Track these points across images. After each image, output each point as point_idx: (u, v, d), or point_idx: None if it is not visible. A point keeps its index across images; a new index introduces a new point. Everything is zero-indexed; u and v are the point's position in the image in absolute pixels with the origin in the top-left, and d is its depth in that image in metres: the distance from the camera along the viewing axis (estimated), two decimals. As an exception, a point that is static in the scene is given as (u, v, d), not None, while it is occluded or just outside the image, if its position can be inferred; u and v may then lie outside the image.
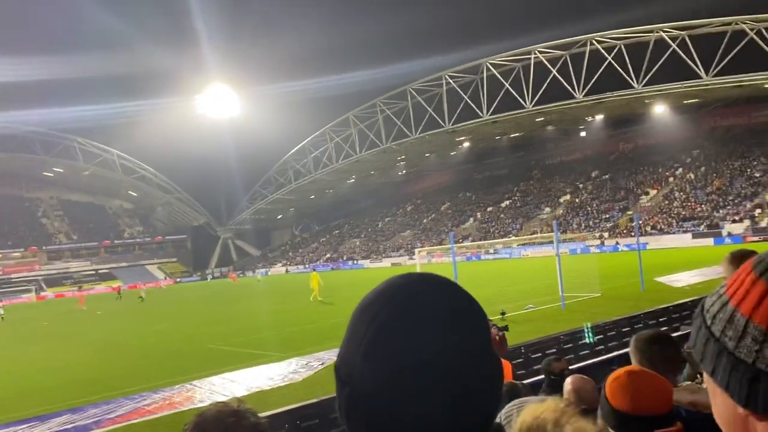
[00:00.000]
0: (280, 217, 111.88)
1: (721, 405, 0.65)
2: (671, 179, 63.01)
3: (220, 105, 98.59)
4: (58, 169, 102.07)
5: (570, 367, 6.05)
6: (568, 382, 3.76)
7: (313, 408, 8.58)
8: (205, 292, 55.99)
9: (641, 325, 13.41)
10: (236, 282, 77.22)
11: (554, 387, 5.24)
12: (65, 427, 11.53)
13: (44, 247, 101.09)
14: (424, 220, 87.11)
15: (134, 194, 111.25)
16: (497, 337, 10.41)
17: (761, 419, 0.61)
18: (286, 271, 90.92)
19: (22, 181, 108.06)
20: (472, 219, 79.67)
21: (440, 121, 67.73)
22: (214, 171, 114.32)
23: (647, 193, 62.99)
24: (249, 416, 1.55)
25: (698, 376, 3.39)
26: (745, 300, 0.62)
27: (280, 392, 12.61)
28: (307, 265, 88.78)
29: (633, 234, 38.77)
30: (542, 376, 6.43)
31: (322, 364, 14.96)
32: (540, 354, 12.20)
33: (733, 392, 0.63)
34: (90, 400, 13.61)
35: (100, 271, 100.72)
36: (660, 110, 63.55)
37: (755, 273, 0.63)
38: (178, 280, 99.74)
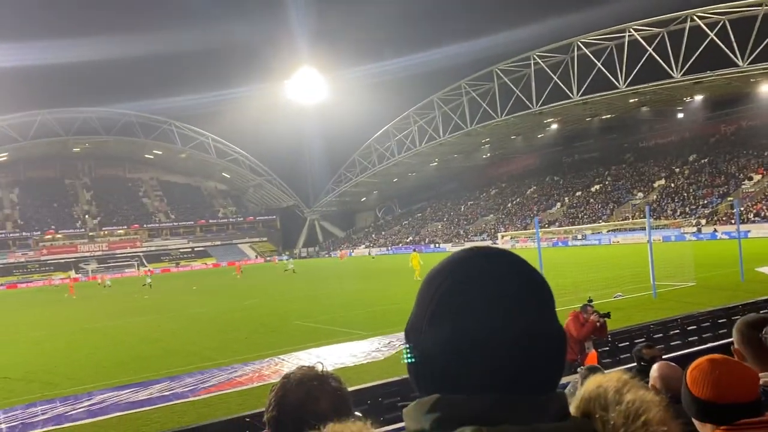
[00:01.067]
0: (363, 199, 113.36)
1: None
2: (779, 163, 58.63)
3: (308, 89, 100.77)
4: (157, 152, 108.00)
5: (662, 356, 5.88)
6: (655, 369, 3.69)
7: (395, 386, 8.74)
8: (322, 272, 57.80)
9: (739, 317, 12.69)
10: (343, 260, 79.71)
11: (644, 373, 5.12)
12: (164, 393, 12.35)
13: (145, 226, 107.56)
14: (509, 204, 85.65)
15: (227, 176, 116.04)
16: (598, 323, 10.19)
17: None
18: (369, 252, 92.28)
19: (125, 162, 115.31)
20: (559, 204, 77.55)
21: (527, 102, 66.09)
22: (301, 154, 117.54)
23: (751, 178, 58.98)
24: (331, 381, 1.65)
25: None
26: None
27: (363, 369, 12.92)
28: (390, 248, 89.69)
29: (733, 221, 36.46)
30: (628, 366, 6.29)
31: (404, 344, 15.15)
32: (627, 343, 11.85)
33: None
34: (186, 369, 14.49)
35: (196, 249, 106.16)
36: (767, 90, 59.05)
37: None
38: (268, 258, 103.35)
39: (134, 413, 11.05)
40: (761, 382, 2.01)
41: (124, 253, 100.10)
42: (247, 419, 7.06)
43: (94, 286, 61.67)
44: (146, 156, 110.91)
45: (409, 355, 0.81)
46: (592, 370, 4.24)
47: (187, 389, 12.55)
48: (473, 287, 0.77)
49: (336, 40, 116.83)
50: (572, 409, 0.78)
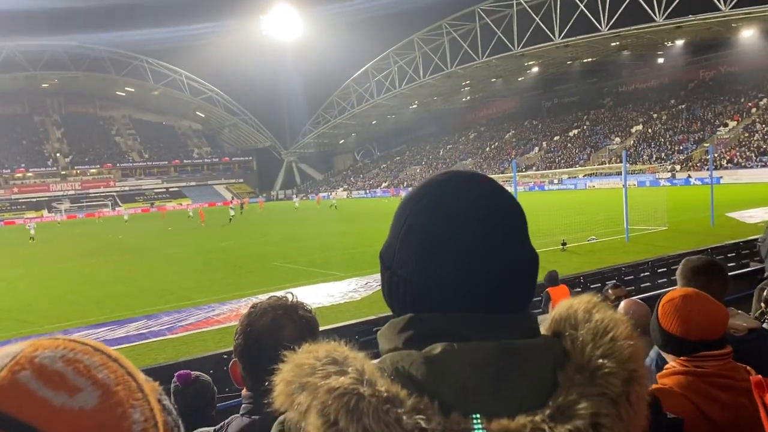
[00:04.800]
0: (342, 141, 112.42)
1: None
2: (753, 110, 59.11)
3: (284, 26, 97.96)
4: (129, 89, 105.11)
5: (629, 296, 5.99)
6: (621, 306, 3.74)
7: (371, 324, 8.86)
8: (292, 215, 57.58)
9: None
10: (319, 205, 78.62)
11: (612, 314, 5.23)
12: (141, 331, 12.39)
13: (118, 165, 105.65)
14: (487, 148, 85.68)
15: (202, 115, 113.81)
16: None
17: None
18: (347, 195, 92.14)
19: (96, 99, 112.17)
20: (537, 148, 77.77)
21: (509, 44, 65.19)
22: (278, 94, 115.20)
23: (726, 125, 59.52)
24: (298, 310, 1.67)
25: (764, 313, 3.28)
26: None
27: (340, 308, 13.08)
28: (368, 191, 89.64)
29: (707, 167, 37.06)
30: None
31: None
32: (599, 284, 12.09)
33: None
34: (162, 308, 14.52)
35: (170, 190, 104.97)
36: (747, 35, 58.84)
37: None
38: (252, 199, 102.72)
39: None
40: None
41: (98, 193, 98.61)
42: (225, 356, 7.12)
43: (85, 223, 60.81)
44: (118, 93, 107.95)
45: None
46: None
47: (164, 327, 12.61)
48: (446, 207, 0.79)
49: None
50: (543, 330, 0.79)
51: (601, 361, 0.69)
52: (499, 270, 0.77)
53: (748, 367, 1.86)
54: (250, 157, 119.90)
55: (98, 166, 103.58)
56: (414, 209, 0.81)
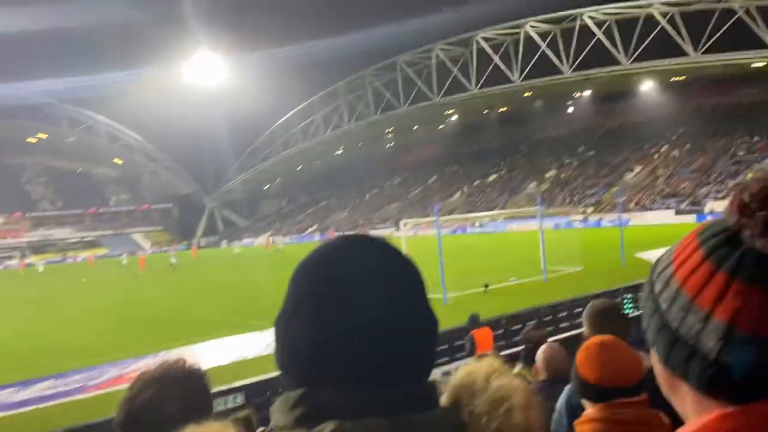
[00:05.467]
0: (267, 187, 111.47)
1: (656, 366, 0.69)
2: (656, 156, 63.41)
3: (208, 72, 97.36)
4: (41, 135, 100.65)
5: (549, 339, 6.20)
6: (540, 350, 3.86)
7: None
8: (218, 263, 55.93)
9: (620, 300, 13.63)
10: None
11: (532, 355, 5.37)
12: (49, 392, 11.63)
13: (28, 214, 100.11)
14: (411, 193, 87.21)
15: (120, 162, 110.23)
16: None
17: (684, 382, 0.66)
18: (272, 241, 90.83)
19: (6, 146, 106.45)
20: (459, 192, 79.86)
21: (429, 93, 67.39)
22: (201, 139, 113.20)
23: (632, 170, 63.41)
24: (188, 380, 1.53)
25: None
26: (689, 278, 0.65)
27: (264, 361, 12.77)
28: (292, 236, 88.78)
29: (617, 210, 39.17)
30: (521, 347, 6.59)
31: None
32: (520, 325, 12.44)
33: (658, 351, 0.68)
34: (73, 366, 13.70)
35: (85, 239, 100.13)
36: (647, 87, 63.64)
37: (702, 253, 0.66)
38: (165, 248, 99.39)
39: (13, 414, 10.32)
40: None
41: (5, 244, 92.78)
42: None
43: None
44: (29, 140, 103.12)
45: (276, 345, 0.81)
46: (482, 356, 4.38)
47: (75, 387, 11.90)
48: (337, 275, 0.76)
49: (235, 24, 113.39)
50: (444, 398, 0.77)
51: None
52: (393, 338, 0.74)
53: (660, 414, 1.87)
54: (171, 204, 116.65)
55: (6, 215, 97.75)
56: (305, 276, 0.78)
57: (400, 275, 0.78)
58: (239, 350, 13.98)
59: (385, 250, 0.80)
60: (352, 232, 0.82)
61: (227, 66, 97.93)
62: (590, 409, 1.97)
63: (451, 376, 0.78)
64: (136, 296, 28.36)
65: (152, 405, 1.45)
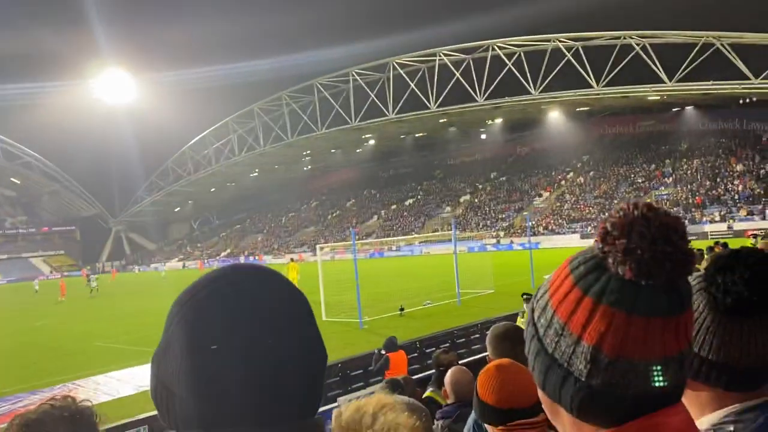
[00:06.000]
0: (177, 209, 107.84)
1: (539, 391, 0.73)
2: (563, 182, 66.56)
3: (116, 90, 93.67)
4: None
5: (459, 362, 6.24)
6: (448, 374, 3.85)
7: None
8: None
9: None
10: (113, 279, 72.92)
11: (441, 378, 5.38)
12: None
13: None
14: (329, 217, 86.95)
15: (17, 182, 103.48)
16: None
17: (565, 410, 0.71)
18: (183, 266, 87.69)
19: None
20: (376, 216, 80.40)
21: (346, 117, 67.82)
22: (107, 160, 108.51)
23: (541, 195, 66.19)
24: (72, 423, 1.41)
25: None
26: (561, 303, 0.71)
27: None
28: (206, 261, 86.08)
29: (527, 234, 40.65)
30: (431, 372, 6.59)
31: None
32: (434, 348, 12.52)
33: (538, 379, 0.73)
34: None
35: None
36: (554, 116, 66.96)
37: (572, 279, 0.71)
38: (65, 274, 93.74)
39: None
40: None
41: None
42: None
43: None
44: None
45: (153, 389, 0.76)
46: (392, 384, 4.34)
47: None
48: (213, 307, 0.71)
49: (147, 42, 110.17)
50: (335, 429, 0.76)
51: None
52: (273, 376, 0.69)
53: None
54: (73, 227, 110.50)
55: None
56: (180, 310, 0.72)
57: (283, 306, 0.74)
58: (144, 380, 13.23)
59: (271, 280, 0.76)
60: (237, 262, 0.79)
61: (137, 85, 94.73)
62: None
63: (341, 411, 0.76)
64: (32, 324, 26.43)
65: None
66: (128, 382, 13.25)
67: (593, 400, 0.66)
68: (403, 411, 0.73)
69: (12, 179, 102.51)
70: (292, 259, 33.37)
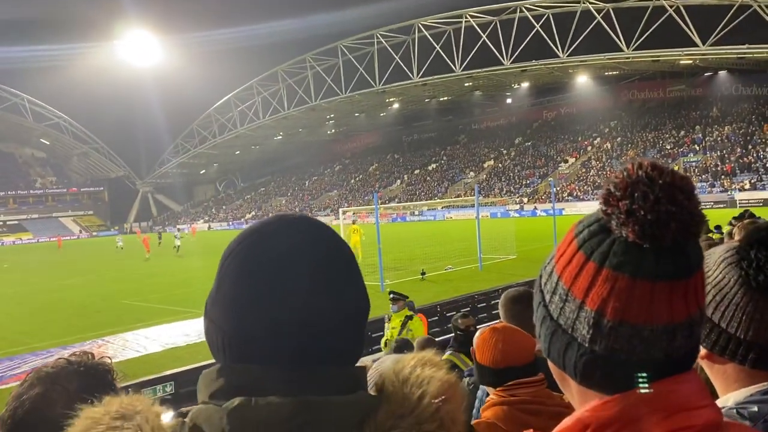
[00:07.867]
0: (203, 171, 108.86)
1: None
2: (589, 148, 65.52)
3: (141, 52, 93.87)
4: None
5: (476, 326, 6.30)
6: (477, 336, 3.92)
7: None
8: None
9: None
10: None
11: (461, 342, 5.45)
12: (-36, 383, 11.01)
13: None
14: (352, 181, 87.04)
15: (47, 142, 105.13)
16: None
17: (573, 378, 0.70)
18: (209, 227, 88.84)
19: None
20: (399, 181, 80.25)
21: (371, 80, 67.21)
22: (134, 121, 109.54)
23: (566, 161, 65.31)
24: (81, 380, 1.40)
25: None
26: (566, 269, 0.70)
27: (195, 348, 12.48)
28: (231, 222, 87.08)
29: (551, 200, 40.33)
30: (451, 335, 6.67)
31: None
32: (454, 312, 12.62)
33: (543, 347, 0.73)
34: (-7, 355, 13.02)
35: (8, 223, 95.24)
36: (582, 80, 65.57)
37: (576, 243, 0.71)
38: (94, 234, 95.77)
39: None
40: (537, 348, 2.18)
41: None
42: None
43: None
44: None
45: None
46: (428, 342, 4.44)
47: (-8, 378, 11.29)
48: (259, 254, 0.75)
49: (172, 4, 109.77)
50: (373, 384, 0.77)
51: (398, 422, 0.69)
52: (313, 321, 0.73)
53: (561, 396, 1.90)
54: (102, 188, 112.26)
55: None
56: (230, 255, 0.77)
57: (327, 258, 0.77)
58: (172, 338, 13.61)
59: (315, 230, 0.78)
60: (279, 214, 0.81)
61: (162, 47, 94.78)
62: (492, 395, 2.06)
63: (383, 363, 0.79)
64: (62, 282, 27.16)
65: (39, 406, 1.34)
66: (155, 339, 13.63)
67: (596, 365, 0.66)
68: (440, 367, 0.74)
69: (42, 140, 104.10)
70: (354, 221, 30.25)
